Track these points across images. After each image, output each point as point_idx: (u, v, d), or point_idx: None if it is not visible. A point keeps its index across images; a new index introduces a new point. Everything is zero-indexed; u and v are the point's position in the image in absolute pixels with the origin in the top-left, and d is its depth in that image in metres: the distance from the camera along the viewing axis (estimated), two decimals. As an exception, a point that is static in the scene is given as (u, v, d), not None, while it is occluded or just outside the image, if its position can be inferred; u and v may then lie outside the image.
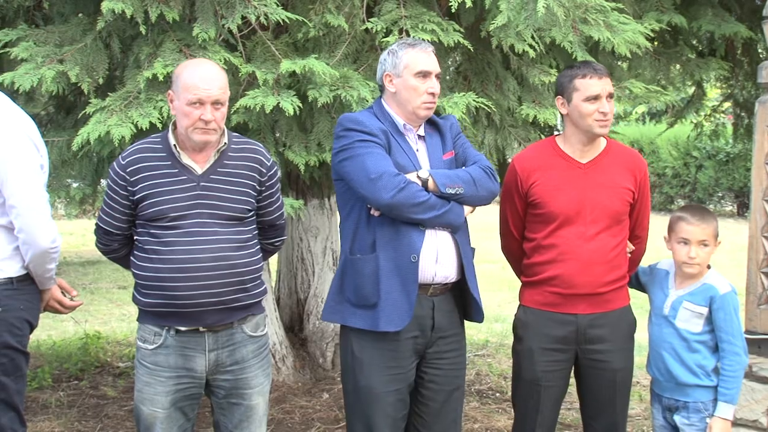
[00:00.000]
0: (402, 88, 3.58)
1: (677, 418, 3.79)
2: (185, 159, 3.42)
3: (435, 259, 3.52)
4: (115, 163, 3.45)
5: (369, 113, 3.64)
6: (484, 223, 4.15)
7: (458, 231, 3.59)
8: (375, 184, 3.42)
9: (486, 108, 4.73)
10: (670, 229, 3.84)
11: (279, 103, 4.21)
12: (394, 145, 3.54)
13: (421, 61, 3.59)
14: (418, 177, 3.47)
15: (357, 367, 3.59)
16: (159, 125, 4.10)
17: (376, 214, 3.49)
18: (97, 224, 3.55)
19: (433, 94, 3.60)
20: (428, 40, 4.43)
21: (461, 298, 3.68)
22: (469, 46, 4.64)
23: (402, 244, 3.48)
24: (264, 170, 3.54)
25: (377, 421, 3.56)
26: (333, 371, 6.22)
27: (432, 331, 3.58)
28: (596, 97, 3.71)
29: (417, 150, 3.61)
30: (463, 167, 3.64)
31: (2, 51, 4.25)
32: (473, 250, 3.71)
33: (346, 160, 3.51)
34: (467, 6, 4.43)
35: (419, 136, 3.66)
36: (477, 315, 3.69)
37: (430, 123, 3.71)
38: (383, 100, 3.66)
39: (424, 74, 3.58)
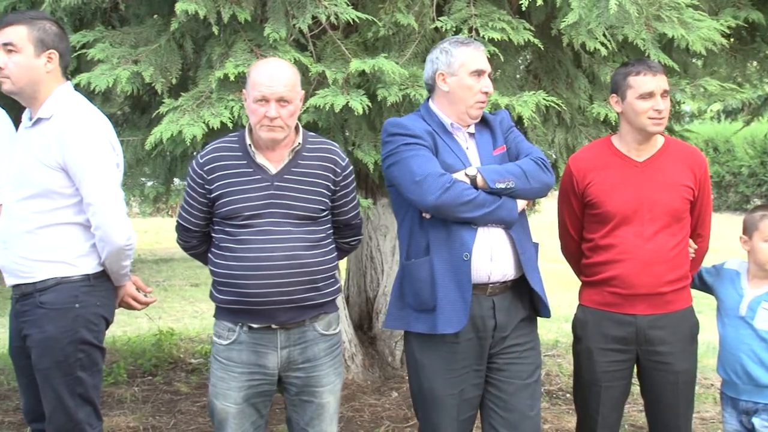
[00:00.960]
0: (456, 87, 3.55)
1: (756, 421, 3.71)
2: (259, 158, 3.46)
3: (489, 257, 3.49)
4: (193, 161, 3.52)
5: (415, 116, 3.62)
6: (552, 222, 4.10)
7: (513, 227, 3.53)
8: (420, 187, 3.40)
9: (556, 107, 4.69)
10: (753, 227, 3.76)
11: (348, 102, 4.22)
12: (441, 145, 3.51)
13: (476, 59, 3.55)
14: (465, 175, 3.44)
15: (419, 369, 3.59)
16: (230, 125, 4.15)
17: (427, 216, 3.48)
18: (177, 221, 3.62)
19: (486, 93, 3.57)
20: (497, 39, 4.42)
21: (526, 294, 3.63)
22: (539, 45, 4.61)
23: (454, 244, 3.45)
24: (338, 170, 3.55)
25: (442, 423, 3.55)
26: (401, 370, 6.22)
27: (495, 330, 3.55)
28: (650, 95, 3.67)
29: (467, 148, 3.58)
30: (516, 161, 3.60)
31: (80, 52, 4.34)
32: (536, 245, 3.67)
33: (393, 165, 3.51)
34: (538, 4, 4.40)
35: (470, 134, 3.63)
36: (543, 310, 3.64)
37: (480, 119, 3.67)
38: (431, 101, 3.62)
39: (479, 73, 3.55)
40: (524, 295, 3.62)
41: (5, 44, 3.51)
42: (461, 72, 3.53)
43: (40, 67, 3.52)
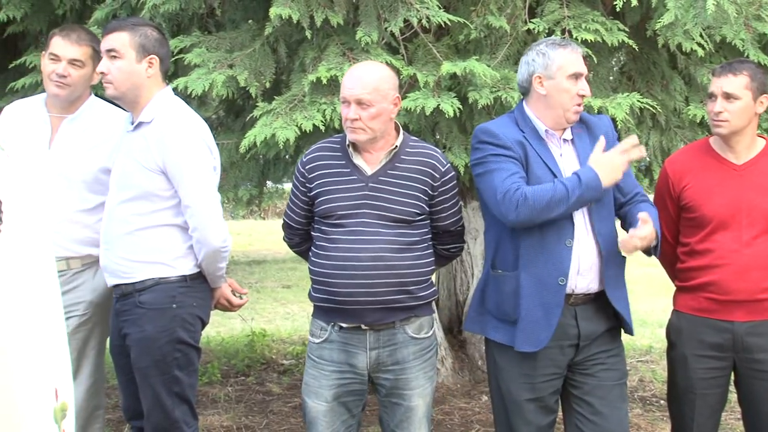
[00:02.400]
0: (554, 91, 3.47)
1: None
2: (357, 159, 3.49)
3: (577, 270, 3.43)
4: (299, 160, 3.58)
5: (508, 120, 3.56)
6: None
7: (604, 236, 3.47)
8: (500, 206, 3.38)
9: (651, 109, 4.61)
10: None
11: (439, 105, 4.22)
12: (531, 155, 3.44)
13: (574, 62, 3.47)
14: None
15: (498, 373, 3.57)
16: (322, 128, 4.19)
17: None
18: (283, 218, 3.70)
19: (583, 96, 3.51)
20: (591, 40, 4.36)
21: (611, 305, 3.53)
22: (633, 46, 4.54)
23: (548, 262, 3.39)
24: (437, 175, 3.53)
25: (519, 428, 3.53)
26: (488, 376, 6.19)
27: (579, 339, 3.50)
28: (710, 96, 3.64)
29: (561, 155, 3.51)
30: None
31: (177, 57, 4.43)
32: (624, 259, 3.56)
33: (479, 175, 3.48)
34: (633, 5, 4.33)
35: (564, 140, 3.57)
36: (625, 327, 3.57)
37: (580, 122, 3.59)
38: (526, 104, 3.56)
39: (577, 76, 3.47)
40: (609, 306, 3.53)
41: (108, 50, 3.61)
42: (559, 75, 3.45)
43: (141, 72, 3.61)
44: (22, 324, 1.73)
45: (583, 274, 3.44)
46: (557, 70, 3.46)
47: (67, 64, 3.90)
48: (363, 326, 3.47)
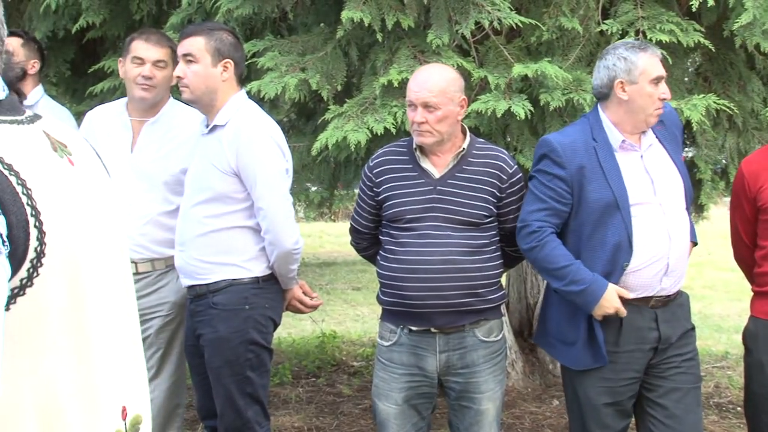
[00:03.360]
0: (637, 96, 3.42)
1: None
2: (424, 162, 3.49)
3: (665, 270, 3.39)
4: (366, 164, 3.60)
5: (581, 128, 3.50)
6: (721, 230, 3.97)
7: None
8: (517, 234, 3.46)
9: (727, 110, 4.52)
10: None
11: (510, 107, 4.20)
12: (593, 171, 3.40)
13: (655, 66, 3.43)
14: None
15: (574, 377, 3.54)
16: (393, 130, 4.20)
17: None
18: (350, 222, 3.73)
19: (663, 100, 3.46)
20: (666, 41, 4.30)
21: (686, 306, 3.56)
22: (710, 46, 4.46)
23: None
24: (505, 177, 3.53)
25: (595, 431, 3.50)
26: (562, 380, 6.14)
27: (659, 342, 3.46)
28: None
29: (634, 166, 3.45)
30: None
31: (250, 61, 4.48)
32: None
33: (529, 188, 3.50)
34: (709, 5, 4.25)
35: (647, 147, 3.51)
36: None
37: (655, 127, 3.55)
38: (602, 109, 3.51)
39: (658, 80, 3.42)
40: (684, 306, 3.53)
41: (185, 55, 3.67)
42: (642, 80, 3.40)
43: (216, 76, 3.65)
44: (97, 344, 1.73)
45: (671, 275, 3.42)
46: (640, 74, 3.40)
47: (151, 66, 3.99)
48: (432, 329, 3.47)
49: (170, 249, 3.91)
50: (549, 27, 4.44)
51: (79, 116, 4.49)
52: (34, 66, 4.58)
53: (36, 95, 4.55)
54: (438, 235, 3.43)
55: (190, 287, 3.72)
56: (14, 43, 4.46)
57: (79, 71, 5.76)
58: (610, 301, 3.31)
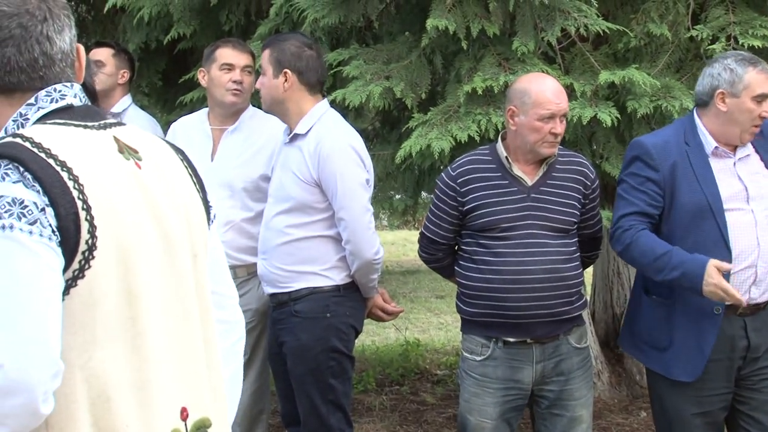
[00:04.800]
0: (736, 110, 3.34)
1: None
2: (516, 170, 3.48)
3: (753, 279, 3.32)
4: (444, 174, 3.58)
5: (674, 131, 3.45)
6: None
7: None
8: (611, 238, 3.40)
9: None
10: None
11: (596, 114, 4.15)
12: (686, 174, 3.35)
13: (762, 83, 3.33)
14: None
15: (661, 386, 3.47)
16: (477, 138, 4.18)
17: None
18: (422, 233, 3.68)
19: (764, 118, 3.37)
20: (758, 46, 4.20)
21: None
22: (805, 51, 4.34)
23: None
24: (588, 183, 3.53)
25: None
26: (648, 390, 6.03)
27: (747, 351, 3.37)
28: None
29: (728, 173, 3.38)
30: None
31: (336, 69, 4.52)
32: None
33: (618, 193, 3.46)
34: (804, 8, 4.15)
35: (740, 158, 3.43)
36: None
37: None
38: (698, 116, 3.45)
39: (762, 97, 3.33)
40: None
41: (260, 67, 3.76)
42: (744, 95, 3.32)
43: (278, 87, 3.69)
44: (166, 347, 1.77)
45: (759, 284, 3.34)
46: (744, 89, 3.32)
47: (240, 71, 4.07)
48: (529, 340, 3.45)
49: (252, 256, 3.96)
50: (637, 33, 4.39)
51: (169, 125, 4.58)
52: (123, 76, 4.69)
53: (124, 104, 4.67)
54: (536, 244, 3.41)
55: (273, 295, 3.77)
56: (105, 54, 4.59)
57: (170, 81, 5.89)
58: (712, 276, 3.16)
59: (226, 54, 4.08)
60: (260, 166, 4.04)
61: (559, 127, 3.41)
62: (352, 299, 3.74)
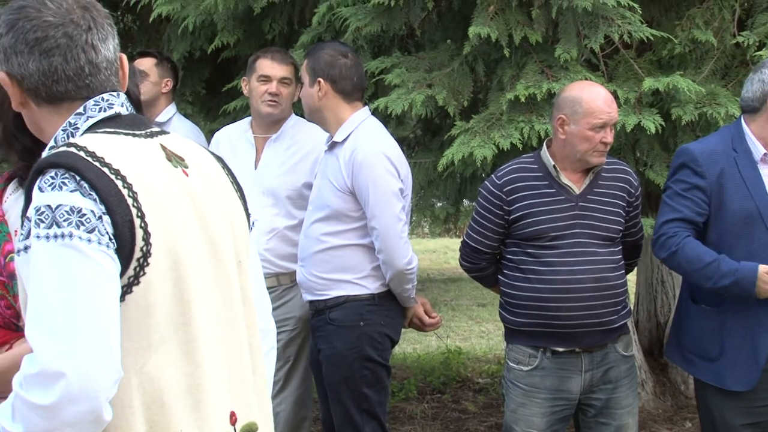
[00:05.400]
0: None
1: None
2: (564, 179, 3.46)
3: None
4: (488, 182, 3.56)
5: (721, 138, 3.41)
6: None
7: None
8: (654, 244, 3.36)
9: None
10: None
11: (640, 121, 4.12)
12: (734, 182, 3.30)
13: None
14: None
15: (709, 396, 3.42)
16: (519, 146, 4.17)
17: None
18: (464, 242, 3.66)
19: None
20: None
21: None
22: None
23: (760, 299, 3.22)
24: (632, 191, 3.52)
25: None
26: (695, 399, 5.96)
27: None
28: None
29: None
30: None
31: (378, 78, 4.53)
32: None
33: (663, 200, 3.43)
34: None
35: None
36: None
37: None
38: (746, 122, 3.40)
39: None
40: None
41: (300, 76, 3.79)
42: None
43: (313, 95, 3.72)
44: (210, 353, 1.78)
45: None
46: None
47: (277, 83, 4.09)
48: (577, 349, 3.43)
49: (295, 264, 3.97)
50: (681, 40, 4.35)
51: (212, 134, 4.62)
52: (167, 85, 4.74)
53: (169, 113, 4.72)
54: (585, 252, 3.40)
55: (311, 302, 3.78)
56: (148, 64, 4.64)
57: (214, 90, 5.94)
58: (765, 280, 3.15)
59: (264, 65, 4.12)
60: (303, 174, 4.06)
61: (610, 137, 3.40)
62: (387, 308, 3.73)
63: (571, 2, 4.10)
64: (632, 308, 6.36)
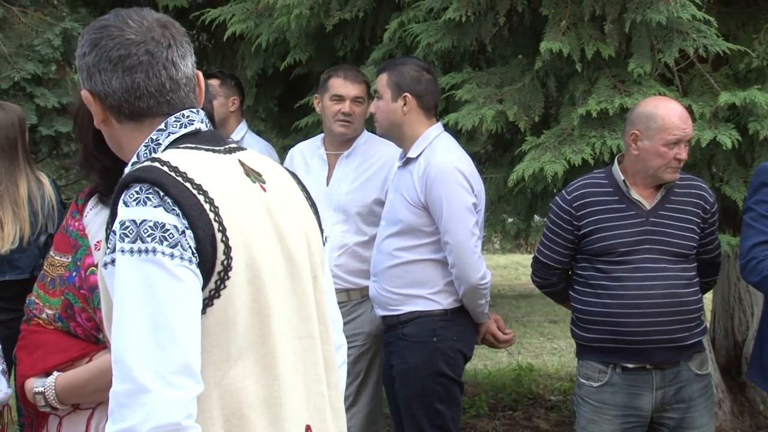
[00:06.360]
0: None
1: None
2: (635, 194, 3.43)
3: None
4: (558, 198, 3.55)
5: None
6: None
7: None
8: (743, 270, 3.31)
9: None
10: None
11: (716, 136, 4.06)
12: None
13: None
14: None
15: None
16: (591, 161, 4.13)
17: None
18: (535, 258, 3.64)
19: None
20: None
21: None
22: None
23: None
24: (708, 207, 3.46)
25: None
26: (775, 420, 5.83)
27: None
28: None
29: None
30: None
31: (448, 93, 4.53)
32: None
33: (744, 221, 3.36)
34: None
35: None
36: None
37: None
38: None
39: None
40: None
41: (375, 91, 3.80)
42: None
43: (397, 110, 3.72)
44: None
45: None
46: None
47: (350, 103, 4.11)
48: (648, 366, 3.38)
49: (365, 279, 3.99)
50: (759, 53, 4.28)
51: (285, 150, 4.67)
52: (234, 103, 4.81)
53: (241, 131, 4.79)
54: (655, 268, 3.36)
55: (383, 318, 3.79)
56: (214, 85, 4.70)
57: (286, 107, 6.01)
58: None
59: (337, 85, 4.14)
60: (374, 190, 4.08)
61: (684, 153, 3.36)
62: (460, 324, 3.73)
63: (645, 16, 4.06)
64: (708, 326, 6.25)
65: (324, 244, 2.01)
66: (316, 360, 1.88)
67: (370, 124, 4.26)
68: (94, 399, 2.25)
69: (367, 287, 3.98)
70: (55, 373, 2.29)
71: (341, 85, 4.13)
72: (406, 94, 3.71)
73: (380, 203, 4.01)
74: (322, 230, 2.00)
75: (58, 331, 2.32)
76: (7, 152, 4.05)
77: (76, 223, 2.39)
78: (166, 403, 1.56)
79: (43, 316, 2.34)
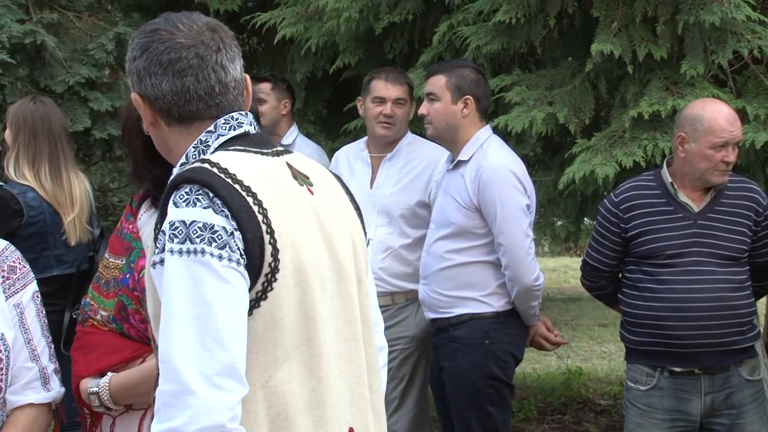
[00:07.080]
0: None
1: None
2: (682, 197, 3.40)
3: None
4: (606, 200, 3.53)
5: None
6: None
7: None
8: None
9: None
10: None
11: (771, 139, 4.00)
12: None
13: None
14: None
15: None
16: (643, 164, 4.09)
17: None
18: (584, 261, 3.63)
19: None
20: None
21: None
22: None
23: None
24: (760, 210, 3.42)
25: None
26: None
27: None
28: None
29: None
30: None
31: (498, 96, 4.52)
32: None
33: None
34: None
35: None
36: None
37: None
38: None
39: None
40: None
41: (428, 94, 3.78)
42: None
43: (457, 113, 3.72)
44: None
45: None
46: None
47: (392, 105, 4.12)
48: (696, 370, 3.35)
49: (409, 283, 3.99)
50: (816, 54, 4.21)
51: (333, 153, 4.69)
52: (285, 106, 4.83)
53: (292, 135, 4.81)
54: (703, 271, 3.33)
55: (433, 320, 3.79)
56: (265, 88, 4.72)
57: (335, 109, 6.03)
58: None
59: (378, 87, 4.15)
60: (417, 192, 4.08)
61: (732, 156, 3.32)
62: (512, 326, 3.73)
63: (698, 17, 4.01)
64: (762, 331, 6.16)
65: (367, 246, 2.02)
66: (360, 363, 1.89)
67: (417, 126, 4.26)
68: (146, 400, 2.27)
69: (411, 290, 3.99)
70: (109, 374, 2.33)
71: (382, 87, 4.14)
72: (468, 97, 3.72)
73: (423, 205, 4.01)
74: (366, 233, 2.01)
75: (112, 333, 2.36)
76: (59, 145, 4.06)
77: (130, 226, 2.42)
78: (211, 405, 1.58)
79: (98, 317, 2.38)
